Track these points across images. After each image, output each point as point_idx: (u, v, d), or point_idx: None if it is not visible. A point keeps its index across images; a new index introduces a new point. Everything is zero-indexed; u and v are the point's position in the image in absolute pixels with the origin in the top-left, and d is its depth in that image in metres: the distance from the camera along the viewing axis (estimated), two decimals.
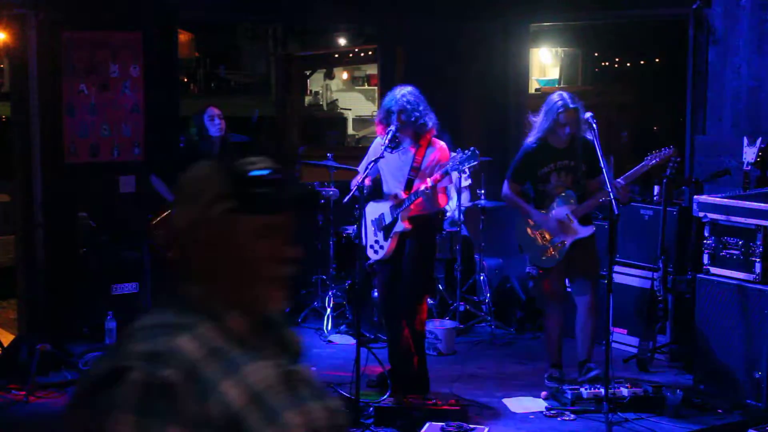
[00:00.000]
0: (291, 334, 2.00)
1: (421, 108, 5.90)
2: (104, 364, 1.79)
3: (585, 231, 6.04)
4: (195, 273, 1.89)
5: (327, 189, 7.46)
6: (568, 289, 6.29)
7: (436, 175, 5.75)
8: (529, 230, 6.20)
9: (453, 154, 7.60)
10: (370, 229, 6.04)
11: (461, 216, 7.73)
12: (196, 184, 1.90)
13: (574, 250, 6.09)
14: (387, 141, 5.81)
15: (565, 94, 6.07)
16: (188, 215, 1.88)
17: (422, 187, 5.73)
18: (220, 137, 7.16)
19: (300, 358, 1.98)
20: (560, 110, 5.97)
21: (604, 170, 5.68)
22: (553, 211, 6.05)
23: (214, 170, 1.90)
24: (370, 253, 6.05)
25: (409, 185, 5.91)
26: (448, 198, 6.86)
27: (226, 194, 1.86)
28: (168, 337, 1.79)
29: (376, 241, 6.01)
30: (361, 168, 6.02)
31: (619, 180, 5.93)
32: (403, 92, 5.93)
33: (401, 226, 5.89)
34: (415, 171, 5.92)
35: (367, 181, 5.85)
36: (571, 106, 5.96)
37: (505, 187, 6.21)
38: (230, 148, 6.96)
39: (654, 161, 6.01)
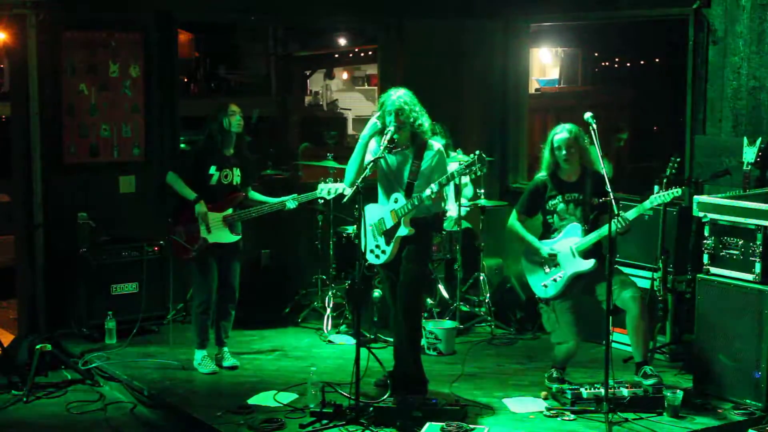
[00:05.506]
0: None
1: (417, 109, 5.90)
2: None
3: (585, 265, 6.01)
4: None
5: None
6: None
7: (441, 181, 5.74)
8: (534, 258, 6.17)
9: (454, 153, 7.59)
10: (369, 233, 6.00)
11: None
12: None
13: (580, 280, 6.05)
14: (386, 141, 5.79)
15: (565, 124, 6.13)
16: None
17: (427, 193, 5.71)
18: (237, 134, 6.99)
19: None
20: (554, 134, 6.06)
21: (605, 174, 5.68)
22: (556, 244, 6.07)
23: None
24: (370, 257, 6.01)
25: (409, 189, 5.89)
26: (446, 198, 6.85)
27: None
28: None
29: (377, 246, 5.99)
30: (350, 166, 5.97)
31: (626, 215, 5.80)
32: (399, 93, 5.92)
33: (405, 230, 5.86)
34: (415, 174, 5.90)
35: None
36: (567, 126, 6.05)
37: (512, 218, 6.27)
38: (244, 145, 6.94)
39: (660, 200, 5.93)
